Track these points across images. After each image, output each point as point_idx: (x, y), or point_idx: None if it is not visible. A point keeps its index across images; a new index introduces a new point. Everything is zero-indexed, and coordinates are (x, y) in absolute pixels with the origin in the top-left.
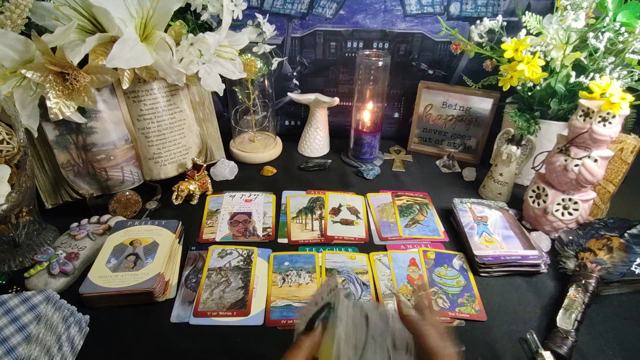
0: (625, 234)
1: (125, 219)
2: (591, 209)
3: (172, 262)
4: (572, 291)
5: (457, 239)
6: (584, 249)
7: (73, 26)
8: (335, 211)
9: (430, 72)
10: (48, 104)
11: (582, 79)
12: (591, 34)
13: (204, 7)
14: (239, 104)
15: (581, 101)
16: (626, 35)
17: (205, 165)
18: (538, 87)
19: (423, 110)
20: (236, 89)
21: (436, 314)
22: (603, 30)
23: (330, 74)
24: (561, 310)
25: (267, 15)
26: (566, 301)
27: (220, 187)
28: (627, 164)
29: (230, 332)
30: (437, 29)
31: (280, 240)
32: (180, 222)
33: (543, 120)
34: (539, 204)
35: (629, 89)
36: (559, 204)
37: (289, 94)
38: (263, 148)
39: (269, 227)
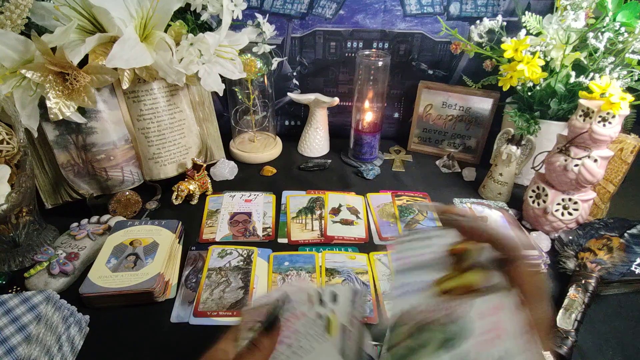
0: (625, 234)
1: (125, 219)
2: (591, 209)
3: (172, 262)
4: (572, 291)
5: None
6: (584, 249)
7: (73, 26)
8: (335, 211)
9: (430, 72)
10: (48, 104)
11: (582, 79)
12: (591, 34)
13: (204, 7)
14: (239, 104)
15: (581, 101)
16: (626, 35)
17: (205, 165)
18: (538, 87)
19: (423, 110)
20: (236, 89)
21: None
22: (603, 30)
23: (330, 74)
24: (561, 310)
25: (267, 15)
26: (566, 301)
27: (220, 187)
28: (627, 164)
29: None
30: (437, 29)
31: (280, 240)
32: (180, 222)
33: (543, 120)
34: (538, 204)
35: (629, 89)
36: (558, 204)
37: (288, 94)
38: (263, 148)
39: (269, 227)
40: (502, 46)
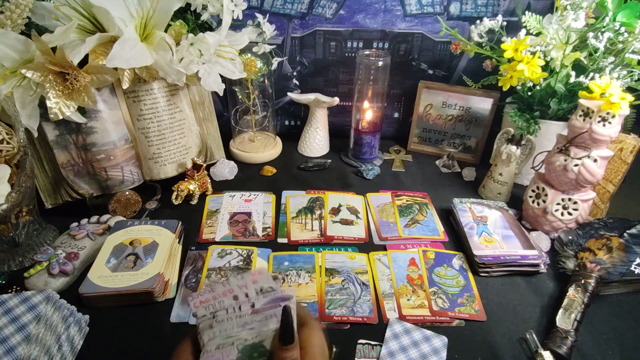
0: (625, 234)
1: (125, 218)
2: (591, 209)
3: (171, 262)
4: (571, 291)
5: (457, 238)
6: (584, 249)
7: (73, 26)
8: (335, 211)
9: (430, 72)
10: (48, 104)
11: (582, 78)
12: (591, 34)
13: (204, 7)
14: (239, 104)
15: (581, 101)
16: (626, 35)
17: (205, 165)
18: (538, 87)
19: (423, 110)
20: (236, 89)
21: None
22: (603, 30)
23: (330, 74)
24: (561, 310)
25: (267, 15)
26: (566, 301)
27: (220, 187)
28: (627, 164)
29: None
30: (437, 29)
31: (280, 240)
32: (180, 222)
33: (543, 120)
34: (538, 204)
35: (629, 89)
36: (558, 203)
37: (289, 94)
38: (263, 148)
39: (269, 227)
40: (502, 46)
